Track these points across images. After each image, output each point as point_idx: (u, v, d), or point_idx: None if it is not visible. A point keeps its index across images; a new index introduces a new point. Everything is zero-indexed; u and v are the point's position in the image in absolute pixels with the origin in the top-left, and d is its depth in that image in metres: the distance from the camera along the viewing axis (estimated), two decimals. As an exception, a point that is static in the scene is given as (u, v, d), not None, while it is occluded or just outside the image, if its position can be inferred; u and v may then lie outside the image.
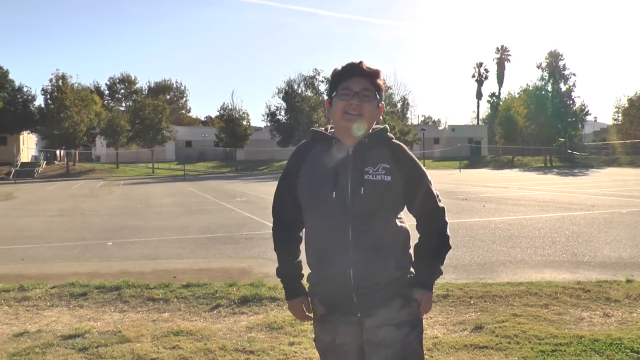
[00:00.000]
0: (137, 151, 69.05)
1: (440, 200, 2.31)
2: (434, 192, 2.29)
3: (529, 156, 64.21)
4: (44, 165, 58.98)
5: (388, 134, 2.28)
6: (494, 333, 4.59)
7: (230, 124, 63.99)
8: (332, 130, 2.28)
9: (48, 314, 5.51)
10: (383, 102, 2.26)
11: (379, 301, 2.18)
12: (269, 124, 64.59)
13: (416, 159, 2.29)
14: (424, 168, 2.30)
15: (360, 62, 2.19)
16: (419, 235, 2.32)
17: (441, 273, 2.31)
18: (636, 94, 63.23)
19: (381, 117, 2.30)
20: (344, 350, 2.24)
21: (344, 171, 2.16)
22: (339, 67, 2.24)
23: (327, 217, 2.15)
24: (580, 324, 4.88)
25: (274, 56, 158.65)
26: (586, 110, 61.48)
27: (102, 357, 4.25)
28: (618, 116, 64.98)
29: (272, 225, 2.40)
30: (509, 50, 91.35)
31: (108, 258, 9.06)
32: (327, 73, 74.84)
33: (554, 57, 60.88)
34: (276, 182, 2.38)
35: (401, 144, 2.28)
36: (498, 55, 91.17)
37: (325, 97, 2.34)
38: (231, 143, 64.99)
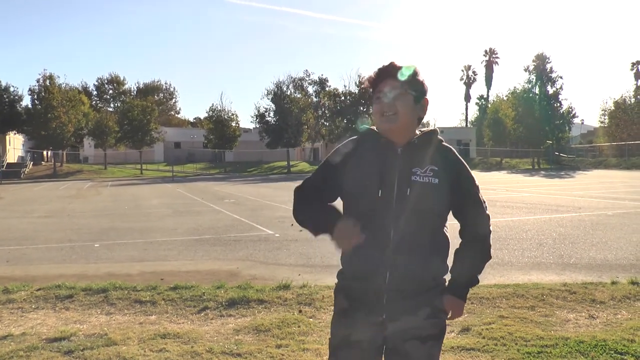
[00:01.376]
0: (125, 152, 68.76)
1: (486, 208, 2.29)
2: (482, 198, 2.28)
3: (517, 158, 64.60)
4: (31, 166, 58.51)
5: (438, 136, 2.26)
6: (481, 335, 4.62)
7: (219, 125, 63.81)
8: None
9: (33, 317, 5.46)
10: (427, 97, 2.24)
11: (407, 307, 2.16)
12: (257, 126, 64.45)
13: (465, 164, 2.27)
14: (472, 174, 2.28)
15: (390, 63, 2.20)
16: (461, 240, 2.31)
17: (478, 282, 2.31)
18: (622, 97, 63.94)
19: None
20: (358, 348, 2.20)
21: (391, 170, 2.15)
22: (373, 74, 2.25)
23: (370, 214, 2.13)
24: (566, 325, 4.92)
25: (263, 57, 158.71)
26: (573, 112, 61.87)
27: (88, 360, 4.22)
28: (604, 119, 65.46)
29: (293, 203, 2.34)
30: (497, 53, 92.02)
31: (95, 260, 9.00)
32: (317, 75, 75.62)
33: (542, 60, 61.28)
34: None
35: (451, 147, 2.27)
36: (486, 58, 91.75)
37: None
38: (220, 144, 64.81)
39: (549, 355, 4.14)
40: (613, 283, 6.31)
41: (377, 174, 2.14)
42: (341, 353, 2.24)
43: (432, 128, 2.28)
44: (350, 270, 2.22)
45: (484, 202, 2.29)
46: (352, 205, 2.21)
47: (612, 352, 4.16)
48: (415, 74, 2.19)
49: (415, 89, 2.19)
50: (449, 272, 2.28)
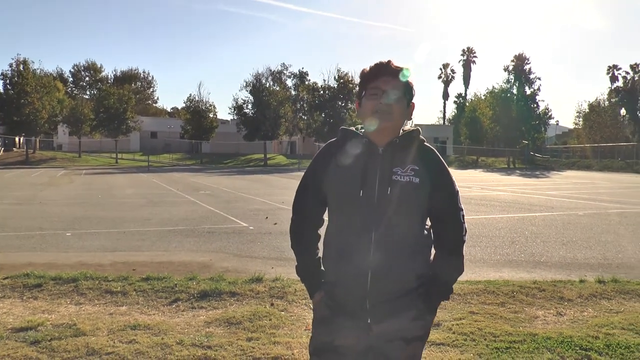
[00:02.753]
0: (100, 141, 67.79)
1: (463, 217, 2.24)
2: (459, 204, 2.24)
3: (493, 157, 65.29)
4: (2, 152, 57.46)
5: (420, 136, 2.24)
6: (451, 330, 4.66)
7: (196, 116, 63.32)
8: (362, 130, 2.24)
9: None
10: (414, 102, 2.24)
11: (392, 310, 2.14)
12: (235, 117, 64.09)
13: (447, 166, 2.24)
14: (453, 176, 2.24)
15: (389, 62, 2.17)
16: (435, 249, 2.27)
17: (450, 294, 2.27)
18: (597, 99, 65.00)
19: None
20: (342, 352, 2.18)
21: (372, 170, 2.12)
22: (367, 68, 2.21)
23: (352, 216, 2.12)
24: (534, 322, 5.00)
25: (243, 49, 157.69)
26: (549, 113, 62.76)
27: (55, 350, 4.15)
28: (579, 121, 66.55)
29: (290, 221, 2.36)
30: (475, 52, 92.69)
31: (66, 249, 8.87)
32: (295, 68, 75.43)
33: (521, 61, 61.96)
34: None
35: (432, 147, 2.24)
36: (464, 57, 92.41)
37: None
38: (197, 135, 64.34)
39: (516, 350, 4.20)
40: (581, 281, 6.43)
41: (359, 174, 2.12)
42: (325, 356, 2.22)
43: (414, 128, 2.25)
44: (333, 274, 2.20)
45: (462, 210, 2.25)
46: (335, 207, 2.20)
47: (577, 348, 4.24)
48: (409, 76, 2.20)
49: (409, 93, 2.20)
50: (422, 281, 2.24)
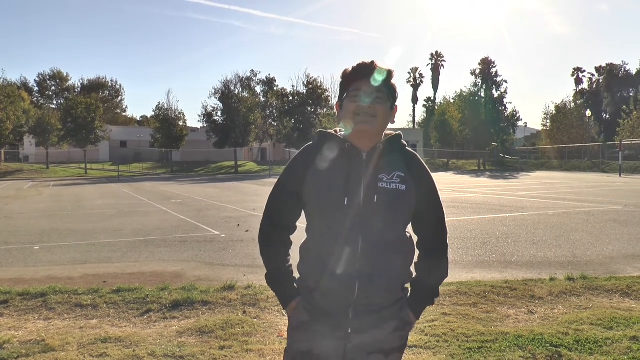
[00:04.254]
0: (69, 151, 66.74)
1: (445, 220, 2.21)
2: (443, 209, 2.21)
3: (463, 159, 66.09)
4: (-34, 165, 55.96)
5: (402, 140, 2.17)
6: (424, 332, 4.69)
7: (165, 124, 62.80)
8: (342, 133, 2.13)
9: (-36, 323, 5.20)
10: (397, 104, 2.15)
11: (374, 321, 2.06)
12: (205, 125, 63.74)
13: (429, 172, 2.19)
14: (436, 183, 2.19)
15: (372, 62, 2.06)
16: (419, 255, 2.22)
17: (436, 298, 2.23)
18: (563, 101, 66.32)
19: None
20: None
21: (357, 177, 2.03)
22: (350, 68, 2.10)
23: (336, 224, 2.02)
24: (506, 321, 5.06)
25: (211, 56, 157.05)
26: (517, 115, 63.83)
27: (23, 366, 4.05)
28: (547, 122, 67.77)
29: (260, 226, 2.24)
30: (443, 56, 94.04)
31: (34, 263, 8.67)
32: (264, 75, 75.30)
33: (487, 64, 62.99)
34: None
35: (415, 153, 2.18)
36: (432, 61, 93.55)
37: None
38: (167, 144, 63.78)
39: (488, 350, 4.25)
40: (551, 279, 6.54)
41: (342, 181, 2.02)
42: None
43: (396, 133, 2.17)
44: (313, 282, 2.09)
45: (444, 213, 2.21)
46: (316, 216, 2.09)
47: (548, 345, 4.30)
48: (393, 81, 2.11)
49: (393, 95, 2.11)
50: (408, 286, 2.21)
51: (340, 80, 2.14)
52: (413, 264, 2.18)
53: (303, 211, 2.18)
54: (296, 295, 2.16)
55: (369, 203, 2.00)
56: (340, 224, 2.01)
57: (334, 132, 2.15)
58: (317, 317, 2.09)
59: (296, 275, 2.20)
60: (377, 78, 2.04)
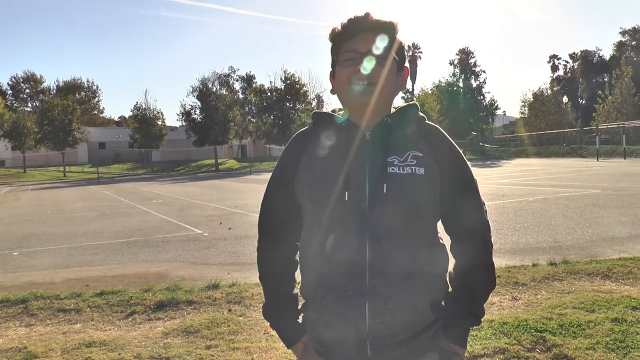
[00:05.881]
0: (46, 154, 65.85)
1: (486, 212, 1.72)
2: (481, 198, 1.71)
3: (443, 149, 66.48)
4: (-60, 171, 54.95)
5: (419, 112, 1.70)
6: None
7: (144, 124, 62.38)
8: (341, 112, 1.70)
9: (-56, 333, 5.10)
10: (407, 65, 1.73)
11: (404, 355, 1.58)
12: (184, 124, 63.38)
13: (457, 147, 1.71)
14: (468, 163, 1.72)
15: (366, 14, 1.61)
16: (454, 261, 1.73)
17: (482, 317, 1.69)
18: (540, 89, 67.00)
19: (408, 86, 1.75)
20: None
21: (359, 164, 1.58)
22: (339, 25, 1.65)
23: (336, 229, 1.57)
24: (491, 308, 5.09)
25: (188, 54, 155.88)
26: (496, 104, 64.57)
27: (5, 375, 3.99)
28: (525, 110, 68.41)
29: (257, 244, 1.83)
30: (420, 48, 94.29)
31: (14, 269, 8.53)
32: (243, 72, 75.06)
33: (465, 54, 63.47)
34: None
35: (437, 126, 1.71)
36: (410, 53, 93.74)
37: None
38: (146, 144, 63.37)
39: (474, 338, 4.27)
40: (534, 265, 6.60)
41: (340, 171, 1.58)
42: None
43: (411, 102, 1.73)
44: (313, 313, 1.65)
45: (484, 204, 1.72)
46: (313, 218, 1.63)
47: (533, 330, 4.34)
48: (397, 33, 1.65)
49: (400, 54, 1.66)
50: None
51: (330, 42, 1.70)
52: (447, 275, 1.69)
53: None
54: (303, 334, 1.73)
55: (376, 196, 1.55)
56: (341, 226, 1.56)
57: (329, 112, 1.72)
58: (330, 357, 1.64)
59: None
60: (375, 33, 1.61)
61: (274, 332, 1.98)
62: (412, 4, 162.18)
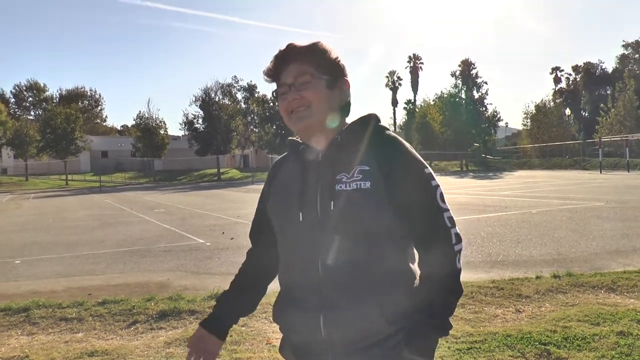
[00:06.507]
0: (48, 162, 65.98)
1: (450, 218, 1.63)
2: (438, 201, 1.62)
3: (445, 161, 66.45)
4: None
5: (375, 123, 1.70)
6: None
7: (147, 133, 62.56)
8: None
9: (-55, 341, 5.09)
10: (346, 78, 1.72)
11: None
12: (187, 133, 63.53)
13: (419, 157, 1.65)
14: (430, 170, 1.64)
15: (288, 45, 1.67)
16: (418, 271, 1.68)
17: (447, 330, 1.60)
18: (542, 100, 67.05)
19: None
20: None
21: (312, 184, 1.63)
22: (270, 64, 1.71)
23: (294, 246, 1.65)
24: (494, 320, 5.07)
25: (191, 64, 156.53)
26: (498, 116, 64.50)
27: (7, 384, 3.97)
28: (527, 122, 68.42)
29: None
30: (421, 59, 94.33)
31: (15, 277, 8.52)
32: (246, 81, 75.21)
33: (467, 66, 63.62)
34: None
35: (397, 136, 1.67)
36: (411, 64, 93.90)
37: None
38: (148, 153, 63.54)
39: (478, 350, 4.25)
40: (537, 277, 6.57)
41: (297, 191, 1.65)
42: None
43: (367, 114, 1.73)
44: (283, 323, 1.75)
45: (450, 217, 1.63)
46: (278, 236, 1.75)
47: (537, 343, 4.32)
48: (322, 52, 1.67)
49: (327, 71, 1.66)
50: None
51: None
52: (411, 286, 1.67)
53: None
54: (212, 323, 1.86)
55: (326, 214, 1.58)
56: (297, 245, 1.64)
57: (296, 138, 1.79)
58: (303, 357, 1.71)
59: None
60: (301, 62, 1.65)
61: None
62: (414, 15, 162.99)
